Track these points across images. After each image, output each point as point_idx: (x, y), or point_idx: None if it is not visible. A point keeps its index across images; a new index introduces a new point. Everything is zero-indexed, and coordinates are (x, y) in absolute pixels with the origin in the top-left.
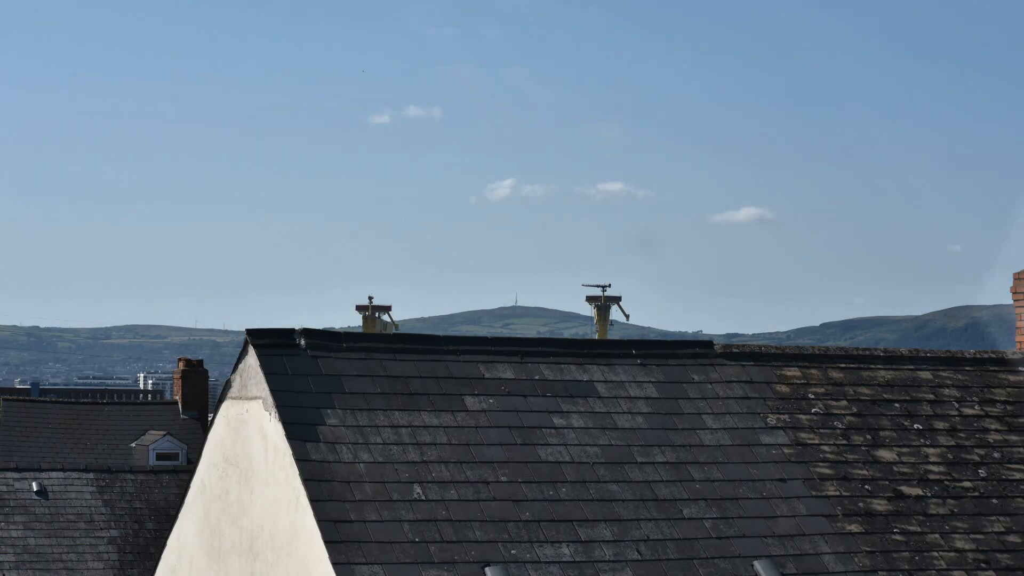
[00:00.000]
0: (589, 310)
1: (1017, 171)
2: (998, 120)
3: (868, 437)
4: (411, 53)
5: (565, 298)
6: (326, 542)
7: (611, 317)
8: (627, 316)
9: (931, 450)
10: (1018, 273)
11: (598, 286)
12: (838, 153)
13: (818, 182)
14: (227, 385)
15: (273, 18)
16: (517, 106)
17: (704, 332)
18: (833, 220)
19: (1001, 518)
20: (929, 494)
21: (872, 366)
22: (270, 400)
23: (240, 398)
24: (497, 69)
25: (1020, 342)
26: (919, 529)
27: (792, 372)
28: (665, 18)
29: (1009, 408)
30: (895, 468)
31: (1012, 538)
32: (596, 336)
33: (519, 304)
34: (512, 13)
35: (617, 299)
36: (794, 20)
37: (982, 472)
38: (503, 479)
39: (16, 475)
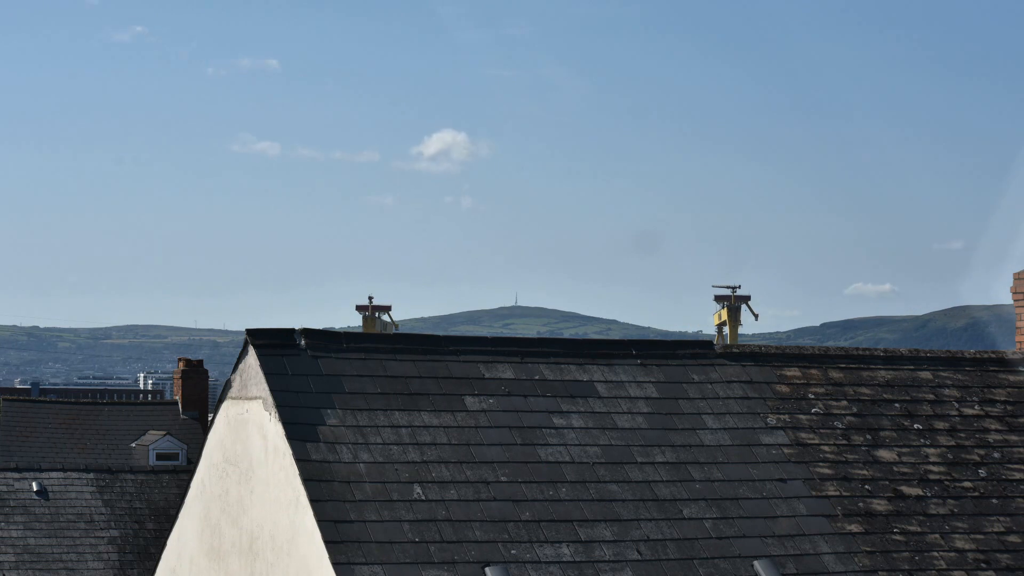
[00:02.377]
0: (716, 307)
1: (1018, 168)
2: (1000, 117)
3: (868, 437)
4: (447, 57)
5: (565, 298)
6: (326, 542)
7: (715, 318)
8: (756, 316)
9: (931, 450)
10: (1018, 273)
11: (728, 287)
12: (838, 152)
13: (818, 181)
14: (227, 385)
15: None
16: (547, 106)
17: (704, 332)
18: (833, 219)
19: (1001, 518)
20: (929, 494)
21: (872, 366)
22: (270, 400)
23: (240, 398)
24: (530, 69)
25: (1020, 342)
26: (919, 529)
27: (792, 372)
28: (679, 14)
29: (1009, 408)
30: (895, 468)
31: (1012, 538)
32: (728, 337)
33: (519, 304)
34: (539, 11)
35: (747, 299)
36: (799, 18)
37: (982, 472)
38: (503, 479)
39: (16, 475)
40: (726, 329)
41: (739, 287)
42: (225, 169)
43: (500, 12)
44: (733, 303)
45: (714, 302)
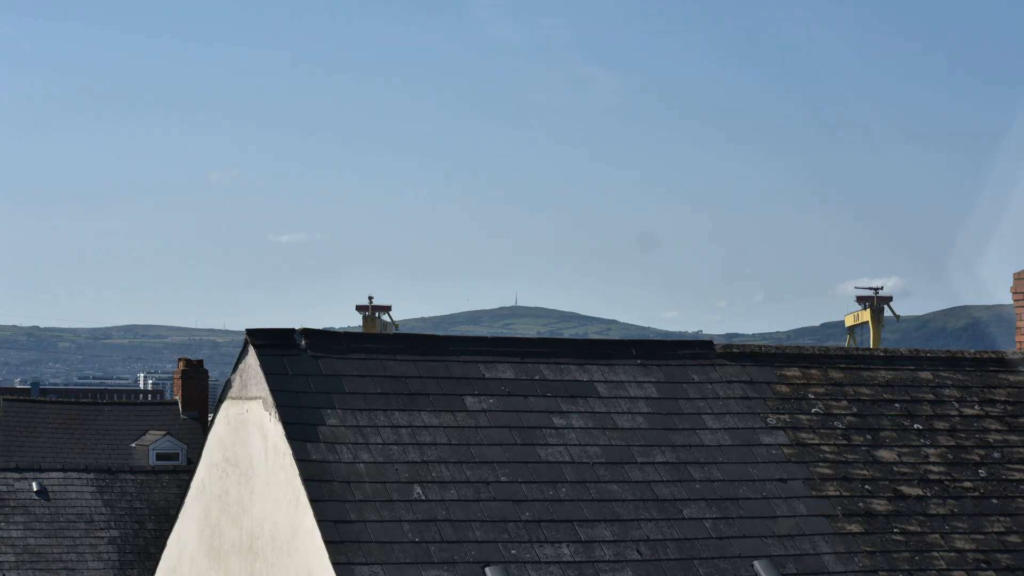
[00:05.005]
0: (856, 308)
1: (1017, 165)
2: (1000, 114)
3: (868, 437)
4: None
5: (565, 298)
6: (326, 542)
7: (850, 319)
8: (897, 317)
9: (931, 450)
10: (1018, 273)
11: (870, 288)
12: (838, 152)
13: (818, 180)
14: (227, 385)
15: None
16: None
17: (704, 332)
18: (833, 219)
19: (1001, 518)
20: (929, 494)
21: (872, 366)
22: (270, 400)
23: (240, 398)
24: (536, 67)
25: (1020, 342)
26: (919, 529)
27: (792, 372)
28: (681, 14)
29: (1009, 408)
30: (895, 468)
31: (1012, 538)
32: (871, 336)
33: (519, 304)
34: (575, 6)
35: (888, 299)
36: (800, 16)
37: (982, 472)
38: (503, 479)
39: (16, 475)
40: (867, 328)
41: (881, 288)
42: (224, 168)
43: (535, 9)
44: (875, 304)
45: (855, 303)
